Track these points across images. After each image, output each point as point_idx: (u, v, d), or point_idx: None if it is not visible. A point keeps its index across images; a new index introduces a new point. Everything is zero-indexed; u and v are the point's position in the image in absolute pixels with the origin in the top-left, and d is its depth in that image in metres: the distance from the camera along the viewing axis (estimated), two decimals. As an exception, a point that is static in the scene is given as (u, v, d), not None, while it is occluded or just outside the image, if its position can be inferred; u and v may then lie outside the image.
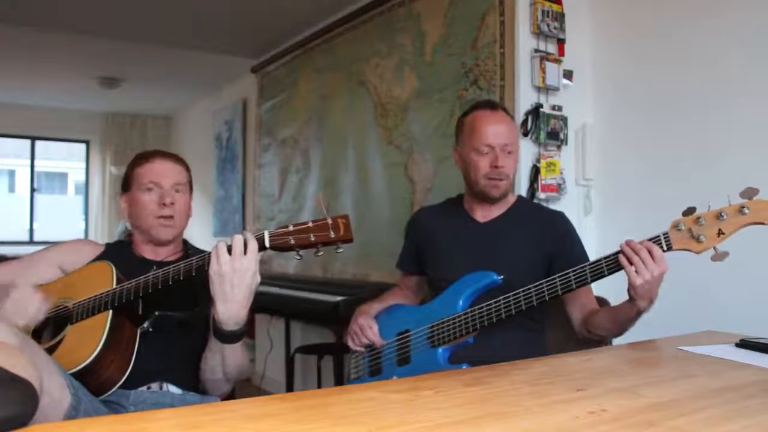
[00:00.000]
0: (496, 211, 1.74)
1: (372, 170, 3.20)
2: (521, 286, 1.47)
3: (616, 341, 1.61)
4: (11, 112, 6.17)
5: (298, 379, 3.63)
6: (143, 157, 1.64)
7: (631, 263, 1.34)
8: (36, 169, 6.81)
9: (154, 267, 1.46)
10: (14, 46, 4.29)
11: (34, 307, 1.37)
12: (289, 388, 3.37)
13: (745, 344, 1.32)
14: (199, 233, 5.29)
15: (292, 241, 1.26)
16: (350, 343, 1.75)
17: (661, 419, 0.82)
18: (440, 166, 2.72)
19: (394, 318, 1.72)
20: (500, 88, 2.43)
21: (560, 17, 2.42)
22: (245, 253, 1.27)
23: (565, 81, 2.43)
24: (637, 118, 2.36)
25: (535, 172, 2.35)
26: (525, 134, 2.34)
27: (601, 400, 0.91)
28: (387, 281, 2.67)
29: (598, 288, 1.62)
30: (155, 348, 1.46)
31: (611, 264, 1.38)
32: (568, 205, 2.31)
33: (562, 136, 2.41)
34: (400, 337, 1.66)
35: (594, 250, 1.74)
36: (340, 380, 2.84)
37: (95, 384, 1.34)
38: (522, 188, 2.33)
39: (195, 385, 1.52)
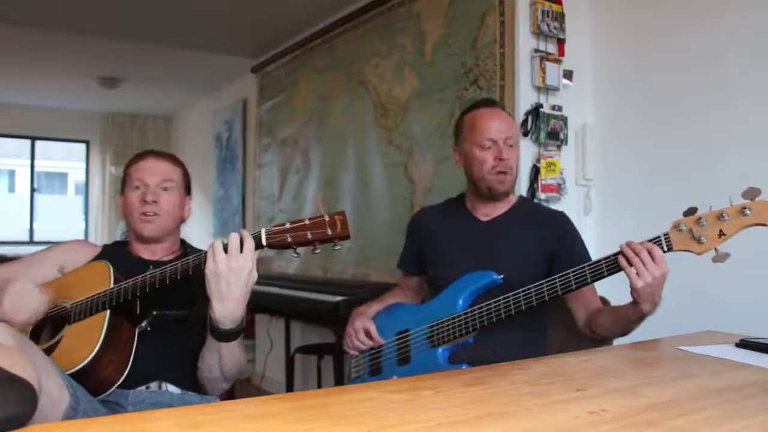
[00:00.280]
0: (498, 209, 1.74)
1: (372, 170, 3.20)
2: (521, 285, 1.46)
3: (616, 341, 1.60)
4: (11, 112, 6.17)
5: (298, 379, 3.63)
6: (136, 157, 1.65)
7: (631, 265, 1.33)
8: (36, 169, 6.80)
9: (151, 267, 1.46)
10: (14, 46, 4.29)
11: (36, 301, 1.38)
12: (289, 388, 3.37)
13: (745, 344, 1.32)
14: (199, 233, 5.28)
15: (290, 239, 1.25)
16: (345, 346, 1.74)
17: (661, 419, 0.82)
18: (440, 166, 2.72)
19: (394, 317, 1.72)
20: (500, 88, 2.43)
21: (560, 17, 2.42)
22: (241, 251, 1.26)
23: (565, 81, 2.43)
24: (637, 118, 2.35)
25: (535, 172, 2.35)
26: (525, 134, 2.33)
27: (601, 400, 0.91)
28: (387, 281, 2.67)
29: (599, 288, 1.62)
30: (153, 347, 1.46)
31: (611, 265, 1.37)
32: (568, 205, 2.30)
33: (562, 136, 2.41)
34: (400, 336, 1.66)
35: (594, 251, 1.74)
36: (340, 380, 2.84)
37: (94, 384, 1.34)
38: (522, 188, 2.32)
39: (194, 384, 1.52)
